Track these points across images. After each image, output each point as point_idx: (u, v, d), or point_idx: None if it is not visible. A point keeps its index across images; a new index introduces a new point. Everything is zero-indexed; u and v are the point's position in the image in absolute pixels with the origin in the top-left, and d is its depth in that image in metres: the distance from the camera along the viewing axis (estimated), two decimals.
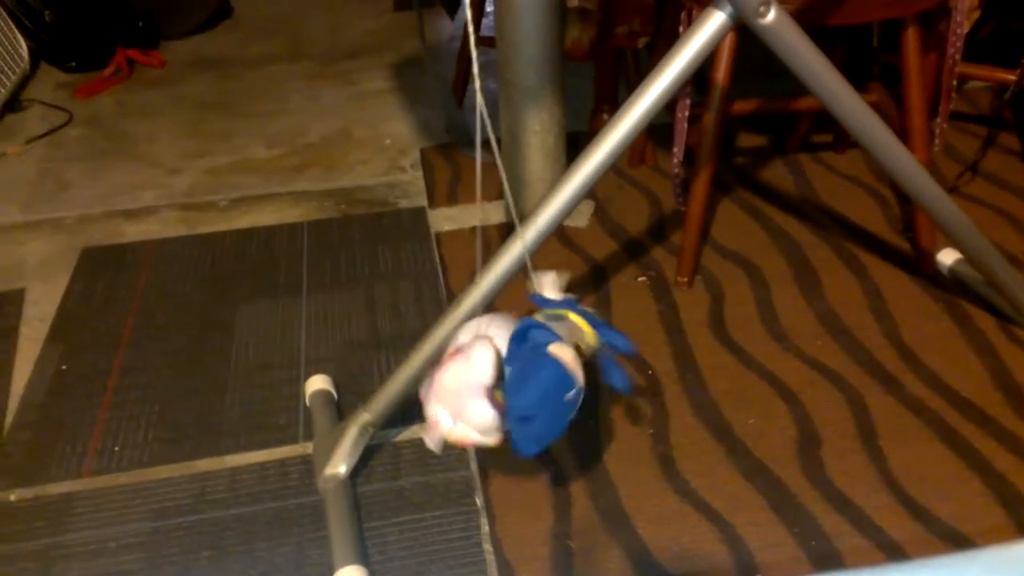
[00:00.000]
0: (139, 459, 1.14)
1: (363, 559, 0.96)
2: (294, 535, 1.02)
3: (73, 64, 2.38)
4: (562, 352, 0.82)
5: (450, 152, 1.85)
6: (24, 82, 2.31)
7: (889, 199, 1.59)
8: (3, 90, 2.16)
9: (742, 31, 0.97)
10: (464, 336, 0.86)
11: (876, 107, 1.02)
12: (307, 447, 1.14)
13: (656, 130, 1.73)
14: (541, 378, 0.81)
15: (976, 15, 1.66)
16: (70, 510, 1.07)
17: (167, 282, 1.49)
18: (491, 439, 0.83)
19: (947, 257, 1.38)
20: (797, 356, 1.24)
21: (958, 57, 1.38)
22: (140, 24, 2.48)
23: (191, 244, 1.60)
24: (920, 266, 1.40)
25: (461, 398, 0.81)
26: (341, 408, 1.19)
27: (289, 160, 1.89)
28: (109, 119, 2.13)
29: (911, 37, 1.26)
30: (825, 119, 1.15)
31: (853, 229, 1.52)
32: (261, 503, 1.07)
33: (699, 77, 1.08)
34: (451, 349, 0.86)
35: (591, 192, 1.18)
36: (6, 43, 2.26)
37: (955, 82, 1.41)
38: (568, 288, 0.92)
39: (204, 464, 1.13)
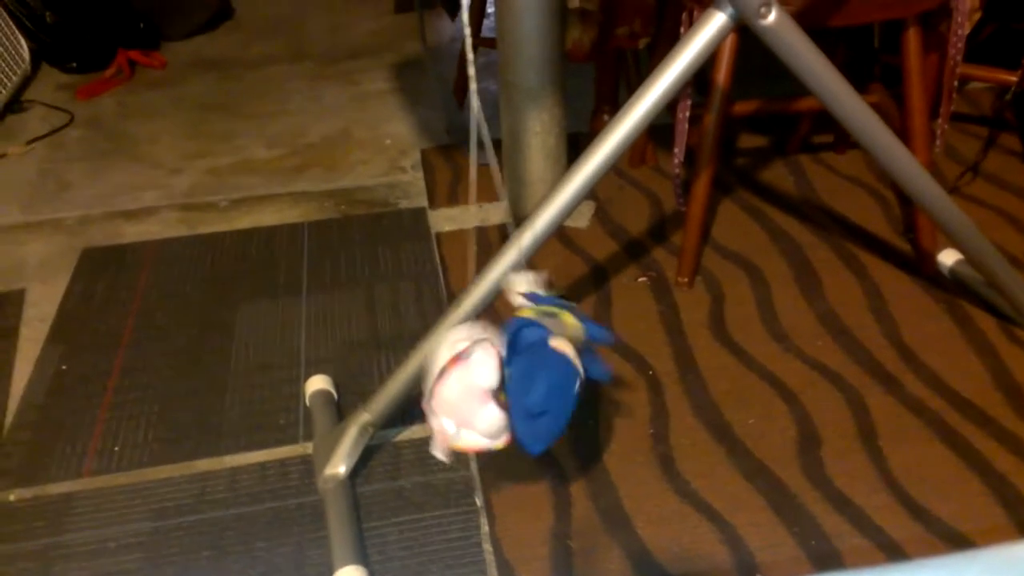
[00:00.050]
0: (139, 459, 1.14)
1: (363, 559, 0.96)
2: (294, 535, 1.02)
3: (74, 65, 2.38)
4: (564, 346, 0.82)
5: (450, 153, 1.85)
6: (25, 83, 2.31)
7: (890, 200, 1.59)
8: (4, 91, 2.16)
9: (743, 32, 0.97)
10: (449, 349, 0.84)
11: (877, 108, 1.02)
12: (307, 447, 1.14)
13: (657, 131, 1.73)
14: (552, 373, 0.81)
15: (977, 16, 1.66)
16: (70, 510, 1.07)
17: (167, 282, 1.49)
18: (499, 442, 0.83)
19: (948, 258, 1.38)
20: (797, 356, 1.24)
21: (959, 58, 1.38)
22: (141, 25, 2.48)
23: (191, 244, 1.60)
24: (921, 267, 1.40)
25: (467, 406, 0.81)
26: (341, 408, 1.19)
27: (290, 160, 1.89)
28: (110, 120, 2.13)
29: (912, 38, 1.26)
30: (826, 120, 1.15)
31: (854, 230, 1.52)
32: (261, 503, 1.07)
33: (700, 78, 1.08)
34: (449, 357, 0.84)
35: (592, 193, 1.19)
36: (7, 44, 2.26)
37: (956, 83, 1.41)
38: (550, 286, 0.92)
39: (204, 464, 1.13)
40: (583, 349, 0.88)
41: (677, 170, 1.46)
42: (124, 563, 1.00)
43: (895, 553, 0.96)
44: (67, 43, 2.36)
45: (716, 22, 0.90)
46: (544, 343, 0.82)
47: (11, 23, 2.30)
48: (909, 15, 1.25)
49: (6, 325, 1.41)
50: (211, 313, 1.41)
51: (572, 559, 0.97)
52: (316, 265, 1.52)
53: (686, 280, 1.40)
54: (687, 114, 1.38)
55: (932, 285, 1.37)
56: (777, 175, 1.70)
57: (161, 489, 1.09)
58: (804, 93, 0.99)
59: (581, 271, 1.45)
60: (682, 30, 1.31)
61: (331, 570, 0.95)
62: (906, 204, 1.55)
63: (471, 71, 0.84)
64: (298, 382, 1.25)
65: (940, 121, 1.44)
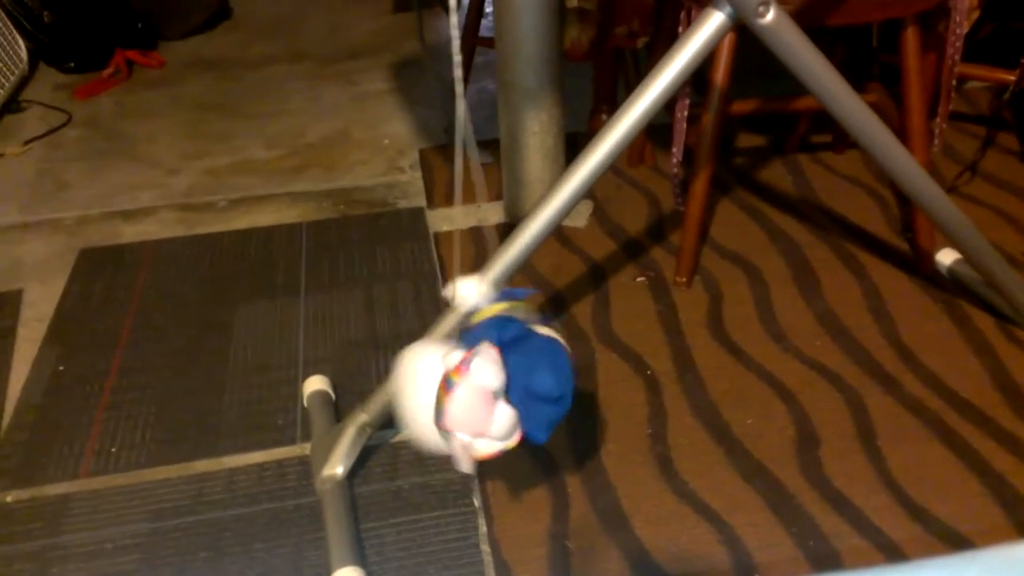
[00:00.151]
0: (137, 460, 1.14)
1: (360, 560, 0.96)
2: (292, 536, 1.02)
3: (72, 65, 2.38)
4: (545, 329, 0.84)
5: (449, 153, 1.85)
6: (23, 83, 2.31)
7: (888, 199, 1.59)
8: (2, 91, 2.16)
9: (741, 31, 0.96)
10: (436, 369, 0.82)
11: (875, 107, 1.02)
12: (305, 448, 1.14)
13: (655, 130, 1.73)
14: (557, 356, 0.83)
15: (975, 15, 1.66)
16: (67, 511, 1.07)
17: (165, 283, 1.49)
18: (512, 441, 0.83)
19: (946, 257, 1.37)
20: (796, 356, 1.24)
21: (957, 57, 1.38)
22: (139, 25, 2.48)
23: (189, 245, 1.59)
24: (919, 266, 1.40)
25: (478, 413, 0.80)
26: (339, 409, 1.19)
27: (288, 161, 1.89)
28: (108, 120, 2.13)
29: (910, 37, 1.26)
30: (824, 119, 1.15)
31: (852, 229, 1.52)
32: (259, 504, 1.07)
33: (698, 77, 1.08)
34: (440, 377, 0.82)
35: (590, 192, 1.18)
36: (5, 44, 2.26)
37: (954, 82, 1.41)
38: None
39: (202, 465, 1.13)
40: (504, 290, 0.91)
41: (675, 169, 1.45)
42: (121, 564, 1.00)
43: (894, 553, 0.95)
44: (65, 43, 2.36)
45: (714, 21, 0.90)
46: (529, 331, 0.83)
47: (9, 23, 2.30)
48: (907, 14, 1.24)
49: (3, 325, 1.41)
50: (209, 313, 1.41)
51: (570, 559, 0.97)
52: (314, 265, 1.51)
53: (684, 280, 1.40)
54: (685, 113, 1.38)
55: (930, 284, 1.37)
56: (775, 175, 1.70)
57: (159, 490, 1.09)
58: (802, 92, 0.99)
59: (579, 270, 1.45)
60: (680, 29, 1.31)
61: (329, 571, 0.95)
62: (904, 203, 1.55)
63: (457, 73, 0.84)
64: (296, 382, 1.25)
65: (938, 120, 1.44)
